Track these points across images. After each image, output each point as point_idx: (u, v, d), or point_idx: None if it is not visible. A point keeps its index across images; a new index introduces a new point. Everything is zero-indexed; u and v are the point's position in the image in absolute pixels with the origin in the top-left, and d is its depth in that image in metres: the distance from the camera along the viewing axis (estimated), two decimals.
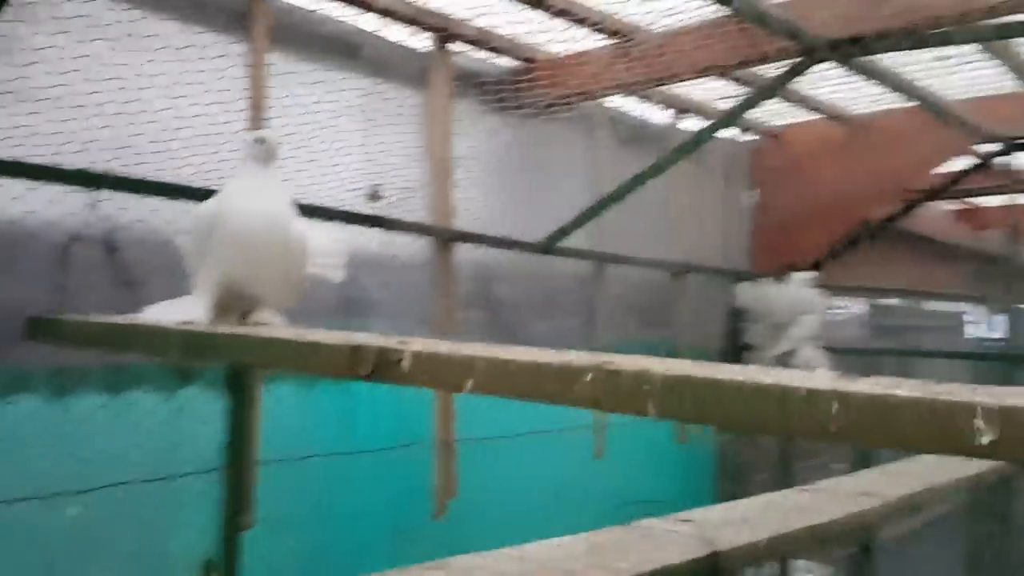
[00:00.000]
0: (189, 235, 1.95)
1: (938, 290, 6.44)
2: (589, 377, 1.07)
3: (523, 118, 3.49)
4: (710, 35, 2.94)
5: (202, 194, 2.28)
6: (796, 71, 2.81)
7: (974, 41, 2.71)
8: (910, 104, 4.11)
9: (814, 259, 4.57)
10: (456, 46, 3.19)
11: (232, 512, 2.54)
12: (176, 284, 2.41)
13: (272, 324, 1.93)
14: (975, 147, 4.19)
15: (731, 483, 4.60)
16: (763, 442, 4.69)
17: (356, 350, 1.34)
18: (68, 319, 1.93)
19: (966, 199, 5.78)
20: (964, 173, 4.37)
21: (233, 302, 1.97)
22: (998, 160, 4.23)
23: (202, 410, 2.53)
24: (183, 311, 1.99)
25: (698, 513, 2.37)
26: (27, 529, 2.19)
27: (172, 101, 2.40)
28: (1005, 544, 3.77)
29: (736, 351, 4.57)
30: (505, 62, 3.39)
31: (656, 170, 3.40)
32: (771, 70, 3.12)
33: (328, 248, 2.15)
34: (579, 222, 3.49)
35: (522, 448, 3.44)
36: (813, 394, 0.87)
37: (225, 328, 1.66)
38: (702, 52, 2.92)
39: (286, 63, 2.71)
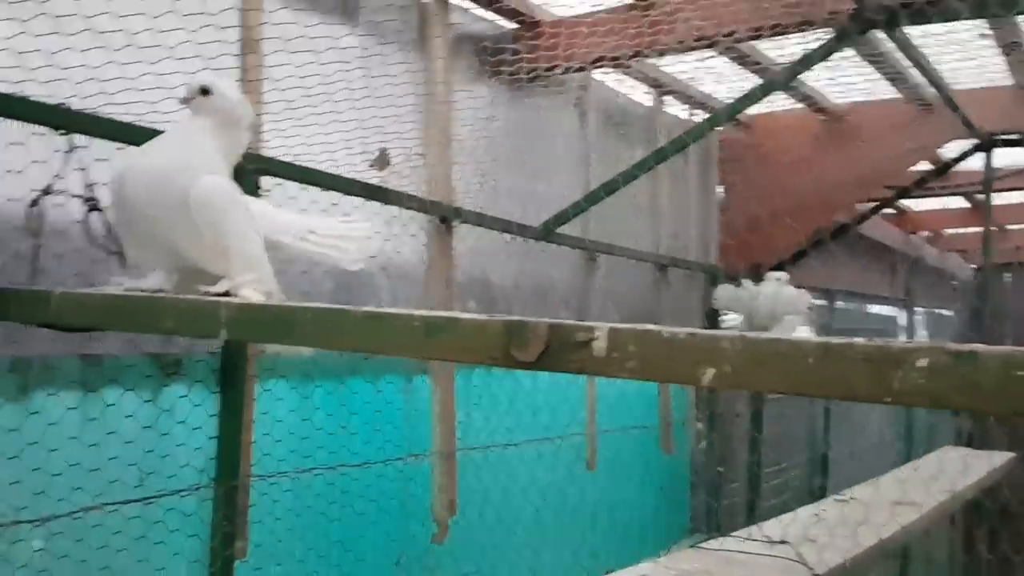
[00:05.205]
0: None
1: (872, 292, 6.50)
2: (923, 363, 0.72)
3: (516, 87, 3.15)
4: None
5: None
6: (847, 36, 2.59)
7: None
8: (890, 95, 4.03)
9: (779, 259, 4.41)
10: None
11: (223, 542, 2.07)
12: None
13: (247, 296, 1.43)
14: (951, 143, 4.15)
15: (707, 495, 4.38)
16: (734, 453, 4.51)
17: (513, 328, 0.92)
18: (58, 293, 1.42)
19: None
20: (944, 168, 4.32)
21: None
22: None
23: (190, 412, 2.05)
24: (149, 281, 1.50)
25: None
26: None
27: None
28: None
29: None
30: (504, 22, 3.05)
31: (660, 157, 3.15)
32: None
33: (340, 229, 1.71)
34: (578, 208, 3.18)
35: (517, 459, 3.08)
36: None
37: (304, 304, 1.18)
38: (742, 11, 2.67)
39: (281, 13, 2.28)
